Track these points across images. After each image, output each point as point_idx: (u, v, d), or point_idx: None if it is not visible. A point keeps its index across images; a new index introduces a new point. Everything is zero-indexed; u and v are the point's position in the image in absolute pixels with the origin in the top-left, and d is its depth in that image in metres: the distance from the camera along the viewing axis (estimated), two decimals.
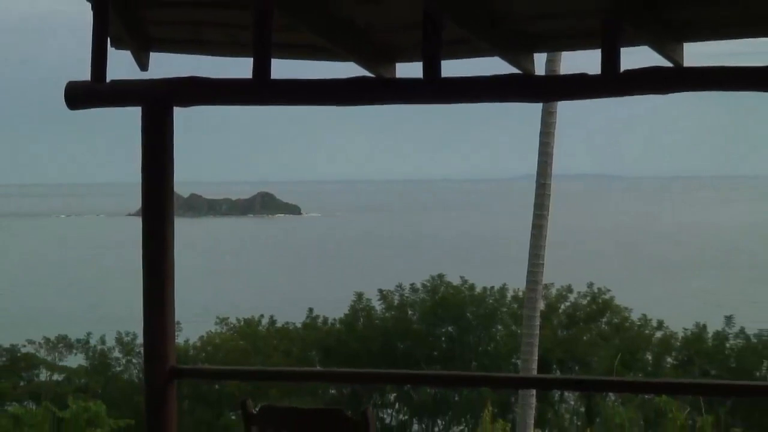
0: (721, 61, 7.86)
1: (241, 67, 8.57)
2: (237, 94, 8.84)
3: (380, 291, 26.65)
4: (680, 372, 23.68)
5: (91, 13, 8.56)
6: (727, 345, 24.08)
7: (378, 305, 26.33)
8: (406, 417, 22.78)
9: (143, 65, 9.10)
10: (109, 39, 8.67)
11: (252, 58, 8.48)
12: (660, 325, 25.58)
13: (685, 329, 25.17)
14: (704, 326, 24.75)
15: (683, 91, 8.07)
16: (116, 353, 27.28)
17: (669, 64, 8.09)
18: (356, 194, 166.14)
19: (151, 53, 9.12)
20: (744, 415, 18.78)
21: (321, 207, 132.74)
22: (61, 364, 28.32)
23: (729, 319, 24.74)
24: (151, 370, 9.15)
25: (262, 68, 8.47)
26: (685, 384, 20.55)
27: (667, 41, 8.08)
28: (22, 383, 26.67)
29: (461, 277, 26.27)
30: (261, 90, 8.60)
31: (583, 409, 19.76)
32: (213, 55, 9.32)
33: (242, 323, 26.90)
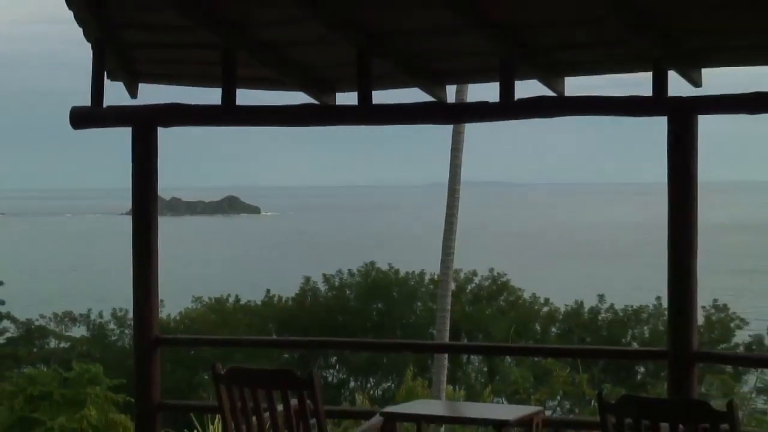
0: (594, 92, 7.99)
1: (213, 95, 8.64)
2: (208, 118, 8.93)
3: (324, 275, 26.69)
4: (562, 339, 23.81)
5: (91, 52, 8.61)
6: (600, 318, 24.21)
7: (322, 287, 26.38)
8: (345, 376, 22.78)
9: (133, 94, 9.13)
10: (105, 72, 8.73)
11: (221, 89, 8.56)
12: (546, 302, 25.68)
13: (566, 305, 25.30)
14: (582, 303, 24.88)
15: (564, 115, 8.17)
16: (112, 325, 27.12)
17: (553, 94, 8.18)
18: (306, 197, 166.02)
19: (139, 84, 9.14)
20: (612, 373, 18.93)
21: (276, 208, 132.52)
22: (66, 334, 28.23)
23: (601, 297, 24.88)
24: (139, 338, 9.17)
25: (228, 97, 8.55)
26: (566, 349, 20.69)
27: (552, 76, 8.17)
28: (35, 350, 26.54)
29: (389, 264, 26.32)
30: (228, 114, 8.68)
31: (485, 369, 19.83)
32: (189, 86, 9.34)
33: (213, 301, 26.86)
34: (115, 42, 8.75)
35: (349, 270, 26.61)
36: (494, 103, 8.18)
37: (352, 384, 22.28)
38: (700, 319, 19.27)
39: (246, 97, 8.79)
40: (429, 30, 8.07)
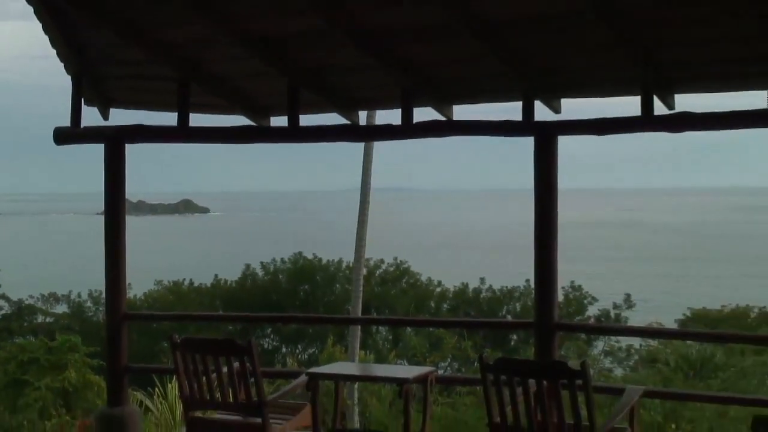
0: (479, 117, 8.04)
1: (171, 117, 8.58)
2: (166, 136, 8.88)
3: (261, 263, 26.58)
4: (451, 313, 23.88)
5: (71, 83, 8.56)
6: (481, 296, 24.32)
7: (260, 272, 26.28)
8: (278, 344, 22.69)
9: (105, 116, 9.05)
10: (82, 99, 8.66)
11: (177, 113, 8.51)
12: (439, 283, 25.73)
13: (455, 286, 25.37)
14: (467, 285, 24.96)
15: (454, 135, 8.21)
16: (88, 304, 26.78)
17: (443, 118, 8.20)
18: (248, 200, 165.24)
19: (111, 108, 9.05)
20: (491, 340, 19.04)
21: (223, 209, 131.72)
22: (51, 311, 27.90)
23: (482, 280, 25.00)
24: (110, 314, 9.09)
25: (183, 119, 8.50)
26: (454, 321, 20.83)
27: (443, 104, 8.19)
28: (25, 324, 26.20)
29: (313, 254, 26.29)
30: (182, 133, 8.62)
31: (390, 337, 19.90)
32: (152, 110, 9.24)
33: (171, 284, 26.65)
34: (90, 75, 8.68)
35: (282, 259, 26.54)
36: (397, 125, 8.22)
37: (283, 350, 22.18)
38: (560, 297, 19.47)
39: (197, 119, 8.75)
40: (346, 67, 8.07)
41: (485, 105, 8.33)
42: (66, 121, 8.67)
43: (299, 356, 20.73)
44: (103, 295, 9.26)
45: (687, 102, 7.44)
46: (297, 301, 24.37)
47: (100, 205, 9.04)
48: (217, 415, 7.10)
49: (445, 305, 24.63)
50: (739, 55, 7.04)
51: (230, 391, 6.89)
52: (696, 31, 6.90)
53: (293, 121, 8.39)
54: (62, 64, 8.43)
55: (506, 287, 24.04)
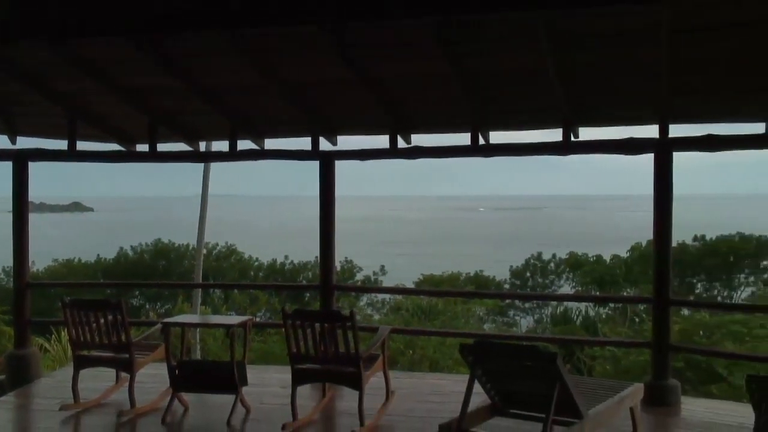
0: (283, 146, 8.07)
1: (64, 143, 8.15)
2: (59, 157, 8.42)
3: (131, 246, 25.55)
4: (264, 279, 23.59)
5: None
6: (285, 268, 24.11)
7: (131, 252, 25.25)
8: (143, 302, 21.86)
9: (13, 142, 8.53)
10: None
11: (67, 140, 8.13)
12: (257, 259, 25.41)
13: (269, 261, 24.95)
14: (276, 260, 24.63)
15: (266, 159, 8.23)
16: (1, 275, 24.96)
17: (258, 147, 8.19)
18: (124, 203, 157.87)
19: (18, 136, 8.55)
20: (292, 297, 18.90)
21: (105, 209, 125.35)
22: None
23: (286, 257, 24.73)
24: (17, 283, 8.64)
25: (72, 144, 8.13)
26: (265, 285, 20.75)
27: (258, 137, 8.17)
28: None
29: (169, 240, 25.49)
30: (71, 155, 8.22)
31: (223, 296, 19.52)
32: (48, 138, 8.78)
33: (65, 261, 25.21)
34: (2, 112, 8.17)
35: (146, 243, 25.63)
36: (227, 152, 8.15)
37: (147, 307, 21.40)
38: (338, 267, 19.64)
39: (83, 144, 8.38)
40: (191, 111, 7.91)
41: (287, 139, 8.38)
42: None
43: (158, 311, 20.02)
44: (12, 270, 8.76)
45: (420, 138, 7.72)
46: (157, 273, 23.58)
47: (10, 205, 8.55)
48: (96, 353, 6.84)
49: (260, 274, 24.38)
50: (448, 110, 7.36)
51: (106, 336, 6.68)
52: (426, 95, 7.19)
53: (153, 147, 8.18)
54: None
55: (302, 261, 24.00)
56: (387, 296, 19.70)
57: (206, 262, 20.05)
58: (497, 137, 7.38)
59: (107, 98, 7.52)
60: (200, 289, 13.94)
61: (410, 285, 21.01)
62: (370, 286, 22.13)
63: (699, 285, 22.32)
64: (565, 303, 19.28)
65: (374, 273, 24.77)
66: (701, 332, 12.31)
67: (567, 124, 6.98)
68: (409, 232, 73.20)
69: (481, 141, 7.28)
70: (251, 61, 6.51)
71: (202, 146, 9.04)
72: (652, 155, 6.90)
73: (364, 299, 20.30)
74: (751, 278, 22.53)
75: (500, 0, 4.80)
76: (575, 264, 23.22)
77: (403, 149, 7.63)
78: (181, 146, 8.41)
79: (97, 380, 7.32)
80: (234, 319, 7.49)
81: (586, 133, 7.14)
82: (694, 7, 5.28)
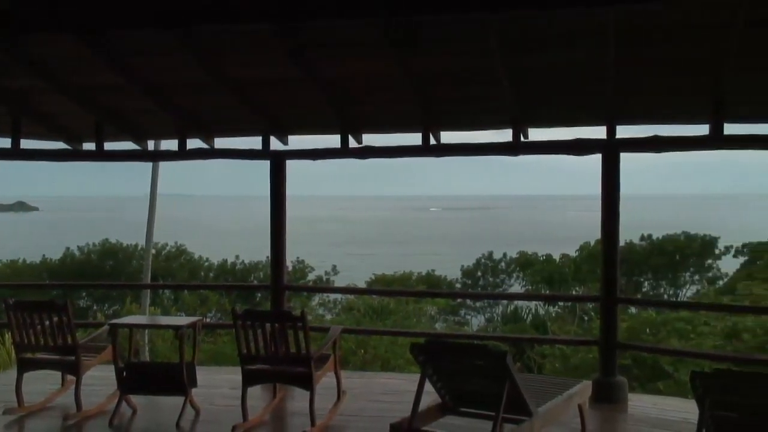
0: (234, 146, 8.01)
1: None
2: (3, 155, 8.19)
3: (78, 246, 25.08)
4: (216, 280, 23.42)
5: None
6: (236, 268, 23.90)
7: (77, 252, 24.78)
8: (90, 303, 21.48)
9: None
10: None
11: (11, 138, 7.95)
12: (207, 259, 25.14)
13: (218, 261, 24.74)
14: (226, 260, 24.40)
15: (215, 158, 8.16)
16: None
17: (208, 146, 8.12)
18: (70, 203, 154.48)
19: None
20: (243, 298, 18.76)
21: (50, 209, 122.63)
22: None
23: (237, 257, 24.52)
24: None
25: (15, 143, 7.95)
26: (216, 285, 20.56)
27: (208, 136, 8.10)
28: None
29: (116, 239, 25.08)
30: (16, 153, 8.04)
31: (173, 297, 19.30)
32: None
33: (9, 261, 24.62)
34: None
35: (94, 243, 25.17)
36: (175, 151, 8.06)
37: (95, 308, 21.04)
38: (290, 267, 19.59)
39: (28, 143, 8.20)
40: (138, 110, 7.80)
41: (238, 138, 8.32)
42: None
43: (106, 312, 19.70)
44: None
45: (371, 138, 7.73)
46: (105, 273, 23.20)
47: None
48: (41, 355, 6.70)
49: (211, 274, 24.14)
50: (399, 109, 7.40)
51: (51, 338, 6.54)
52: (377, 96, 7.21)
53: (99, 146, 8.04)
54: None
55: (253, 261, 23.83)
56: (339, 296, 19.69)
57: (155, 263, 19.82)
58: (448, 137, 7.44)
59: (53, 96, 7.36)
60: (149, 290, 13.79)
61: (362, 285, 21.06)
62: (321, 286, 22.10)
63: (646, 283, 22.83)
64: (516, 302, 19.54)
65: (326, 273, 24.73)
66: (648, 330, 12.57)
67: (517, 124, 7.07)
68: (361, 232, 73.21)
69: (432, 141, 7.32)
70: (200, 59, 6.44)
71: (151, 145, 8.93)
72: (600, 156, 7.02)
73: (316, 299, 20.25)
74: (696, 277, 23.12)
75: (450, 2, 4.84)
76: (525, 263, 23.52)
77: (355, 149, 7.64)
78: (130, 145, 8.29)
79: (43, 383, 7.18)
80: (183, 320, 7.40)
81: (536, 134, 7.23)
82: (640, 9, 5.39)
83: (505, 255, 25.13)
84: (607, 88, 6.32)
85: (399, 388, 7.33)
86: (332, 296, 20.15)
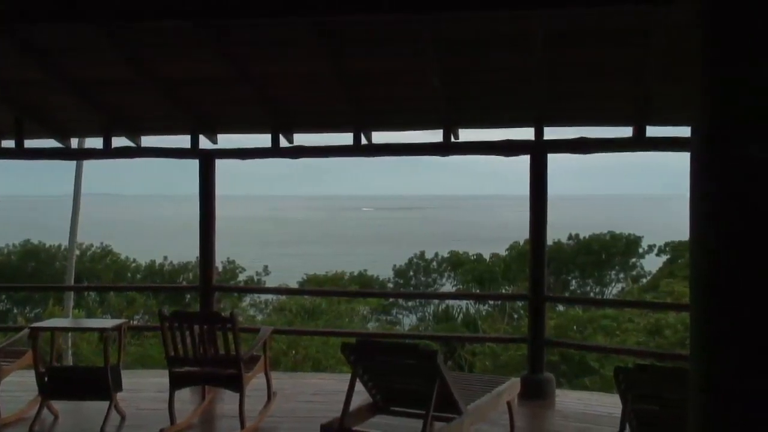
0: (161, 144, 7.86)
1: None
2: None
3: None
4: (143, 281, 22.90)
5: None
6: (164, 269, 23.37)
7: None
8: (10, 306, 20.73)
9: None
10: None
11: None
12: (135, 260, 24.51)
13: (146, 262, 24.16)
14: (155, 261, 23.88)
15: (142, 157, 8.00)
16: None
17: (134, 145, 7.96)
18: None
19: None
20: (171, 299, 18.37)
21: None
22: None
23: (165, 257, 23.96)
24: None
25: None
26: (146, 286, 20.15)
27: (133, 134, 7.93)
28: None
29: (39, 240, 24.31)
30: None
31: (98, 298, 18.75)
32: None
33: None
34: None
35: (14, 244, 24.34)
36: (100, 149, 7.87)
37: (15, 311, 20.35)
38: (220, 267, 19.29)
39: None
40: (61, 106, 7.58)
41: (166, 137, 8.16)
42: None
43: (27, 315, 19.07)
44: None
45: (303, 138, 7.69)
46: (26, 275, 22.44)
47: None
48: None
49: (138, 275, 23.60)
50: (330, 109, 7.38)
51: None
52: (308, 95, 7.19)
53: (20, 143, 7.79)
54: None
55: (182, 262, 23.39)
56: (270, 296, 19.53)
57: (79, 264, 19.27)
58: (379, 137, 7.46)
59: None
60: (73, 292, 13.43)
61: (294, 285, 20.91)
62: (252, 287, 21.87)
63: (573, 282, 23.33)
64: (447, 301, 19.71)
65: (257, 273, 24.46)
66: (575, 327, 12.87)
67: (447, 125, 7.14)
68: (293, 232, 72.80)
69: (364, 141, 7.34)
70: (125, 55, 6.32)
71: (74, 143, 8.69)
72: (528, 156, 7.14)
73: (247, 300, 20.03)
74: (621, 275, 23.75)
75: (383, 2, 4.86)
76: (456, 263, 23.76)
77: (286, 149, 7.59)
78: (52, 143, 8.05)
79: None
80: (108, 323, 7.23)
81: (466, 135, 7.31)
82: (566, 15, 5.51)
83: (436, 254, 25.33)
84: (535, 90, 6.44)
85: (330, 389, 7.32)
86: (263, 297, 19.96)
